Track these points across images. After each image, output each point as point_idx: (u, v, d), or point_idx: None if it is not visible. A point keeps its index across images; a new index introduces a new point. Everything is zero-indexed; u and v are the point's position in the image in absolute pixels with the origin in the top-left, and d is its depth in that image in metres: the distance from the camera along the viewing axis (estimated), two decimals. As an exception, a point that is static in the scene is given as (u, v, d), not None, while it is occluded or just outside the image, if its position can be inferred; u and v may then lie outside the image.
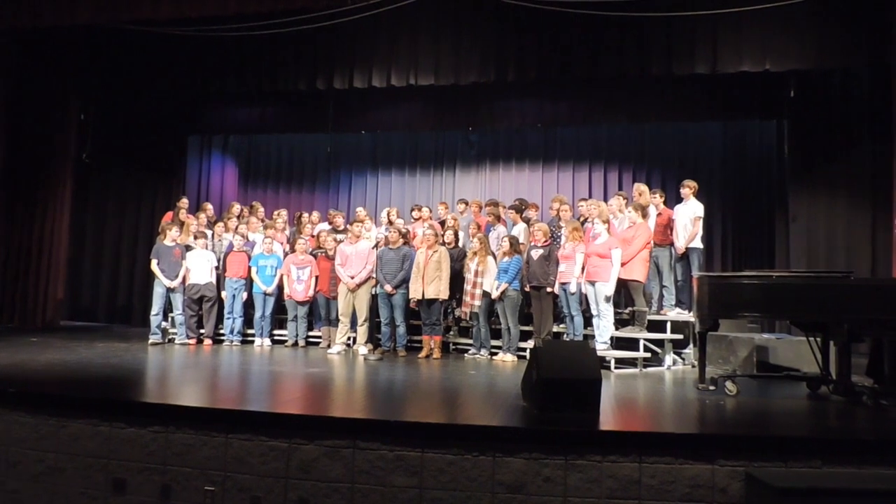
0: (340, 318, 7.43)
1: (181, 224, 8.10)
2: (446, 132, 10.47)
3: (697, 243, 7.13)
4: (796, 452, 3.51)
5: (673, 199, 7.81)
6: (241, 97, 9.48)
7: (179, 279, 7.68)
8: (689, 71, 7.03)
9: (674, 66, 7.04)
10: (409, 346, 7.43)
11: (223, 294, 7.89)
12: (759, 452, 3.52)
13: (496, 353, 7.09)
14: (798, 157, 8.07)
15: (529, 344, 6.82)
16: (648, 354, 6.64)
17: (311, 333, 8.02)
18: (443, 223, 8.23)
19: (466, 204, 8.77)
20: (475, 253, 7.19)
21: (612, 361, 6.37)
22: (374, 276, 7.35)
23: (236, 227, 8.43)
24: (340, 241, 7.75)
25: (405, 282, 7.23)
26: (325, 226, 8.71)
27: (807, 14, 6.59)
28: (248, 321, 8.02)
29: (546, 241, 6.99)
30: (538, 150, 10.32)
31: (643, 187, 7.41)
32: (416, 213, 8.84)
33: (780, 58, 6.78)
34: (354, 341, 7.50)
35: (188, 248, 7.93)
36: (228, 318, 7.84)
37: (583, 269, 6.64)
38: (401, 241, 7.44)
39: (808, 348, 5.39)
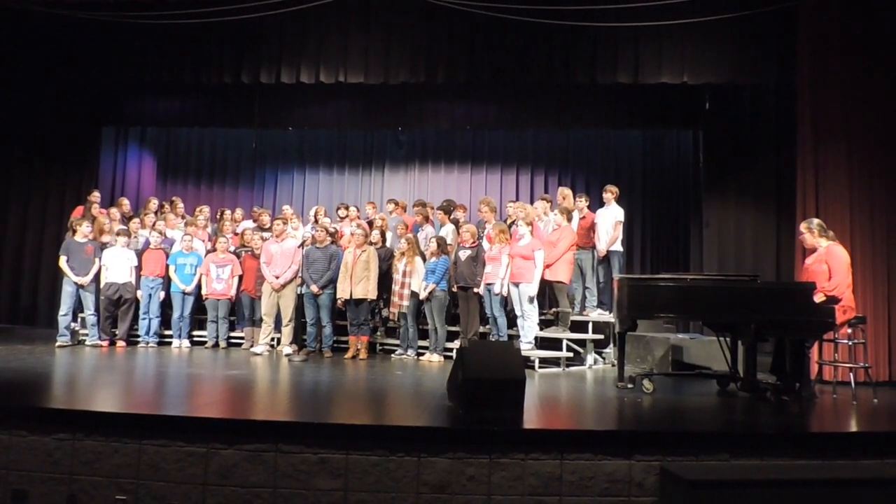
0: (264, 318, 7.27)
1: (93, 219, 7.68)
2: (375, 131, 10.40)
3: (618, 246, 7.40)
4: (706, 447, 3.69)
5: (596, 203, 8.06)
6: (160, 88, 9.07)
7: (91, 277, 7.29)
8: (611, 80, 7.27)
9: (598, 76, 7.27)
10: (335, 347, 7.35)
11: (138, 293, 7.54)
12: (672, 447, 3.68)
13: (423, 354, 7.10)
14: (711, 166, 8.51)
15: (456, 344, 6.87)
16: (571, 354, 6.82)
17: (233, 334, 7.81)
18: (370, 223, 8.18)
19: (395, 204, 8.75)
20: (403, 253, 7.18)
21: (536, 361, 6.51)
22: (300, 275, 7.23)
23: (153, 224, 8.08)
24: (267, 240, 7.59)
25: (332, 282, 7.15)
26: (249, 224, 8.49)
27: (722, 31, 6.95)
28: (165, 322, 7.72)
29: (474, 243, 7.05)
30: (467, 152, 10.41)
31: (567, 191, 7.62)
32: (343, 212, 8.74)
33: (696, 71, 7.11)
34: (279, 342, 7.36)
35: (104, 245, 7.53)
36: (144, 319, 7.52)
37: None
38: (328, 240, 7.35)
39: (718, 348, 5.69)
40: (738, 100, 8.25)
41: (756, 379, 5.18)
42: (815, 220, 5.47)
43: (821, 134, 6.35)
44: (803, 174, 6.38)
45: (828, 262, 5.19)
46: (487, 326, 7.10)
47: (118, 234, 7.55)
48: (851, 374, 5.28)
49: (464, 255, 7.01)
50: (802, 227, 5.47)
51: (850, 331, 5.26)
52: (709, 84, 7.54)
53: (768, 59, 7.01)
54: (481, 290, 6.88)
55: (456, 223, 7.87)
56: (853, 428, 4.20)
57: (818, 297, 5.04)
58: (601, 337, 7.12)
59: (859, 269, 5.91)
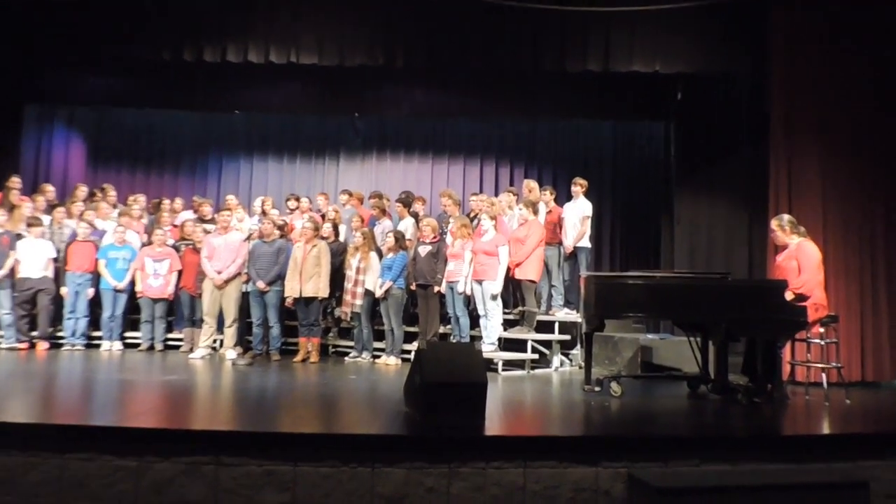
0: (205, 318, 7.14)
1: (12, 207, 7.39)
2: (330, 117, 10.28)
3: (586, 242, 7.47)
4: (676, 452, 3.74)
5: (563, 197, 8.11)
6: (91, 63, 8.74)
7: (5, 271, 7.00)
8: (581, 68, 7.30)
9: (567, 63, 7.29)
10: (283, 350, 7.29)
11: (63, 290, 7.29)
12: (640, 453, 3.71)
13: (379, 356, 7.08)
14: (683, 160, 8.66)
15: (414, 346, 6.83)
16: (536, 356, 6.86)
17: (170, 336, 7.67)
18: (323, 216, 8.11)
19: (350, 195, 8.70)
20: (357, 248, 7.16)
21: (500, 363, 6.52)
22: (244, 271, 7.14)
23: (81, 213, 7.83)
24: (209, 232, 7.47)
25: (280, 278, 7.08)
26: (190, 214, 8.31)
27: (696, 19, 7.05)
28: (94, 322, 7.52)
29: (434, 238, 7.04)
30: (428, 141, 10.38)
31: (533, 184, 7.66)
32: (293, 204, 8.66)
33: (669, 60, 7.21)
34: (221, 344, 7.26)
35: (19, 236, 7.25)
36: (70, 319, 7.31)
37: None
38: (276, 233, 7.28)
39: (689, 348, 5.79)
40: (711, 91, 8.40)
41: (727, 380, 5.29)
42: (786, 217, 5.62)
43: (793, 127, 6.51)
44: (776, 168, 6.54)
45: (798, 258, 5.34)
46: (448, 327, 7.10)
47: (29, 224, 7.28)
48: (824, 375, 5.44)
49: (423, 250, 6.99)
50: (773, 223, 5.61)
51: (822, 330, 5.41)
52: (681, 74, 7.65)
53: (741, 49, 7.14)
54: (443, 288, 6.87)
55: (415, 217, 7.85)
56: (826, 430, 4.32)
57: (788, 296, 5.17)
58: (568, 338, 7.19)
59: (832, 265, 6.10)
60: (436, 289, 6.92)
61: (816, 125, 6.45)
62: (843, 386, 5.41)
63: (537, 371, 6.80)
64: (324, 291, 7.04)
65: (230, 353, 6.99)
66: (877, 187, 6.42)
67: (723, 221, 8.17)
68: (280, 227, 7.44)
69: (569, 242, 7.40)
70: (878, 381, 6.23)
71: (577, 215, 7.43)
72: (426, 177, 10.33)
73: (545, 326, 7.10)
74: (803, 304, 5.16)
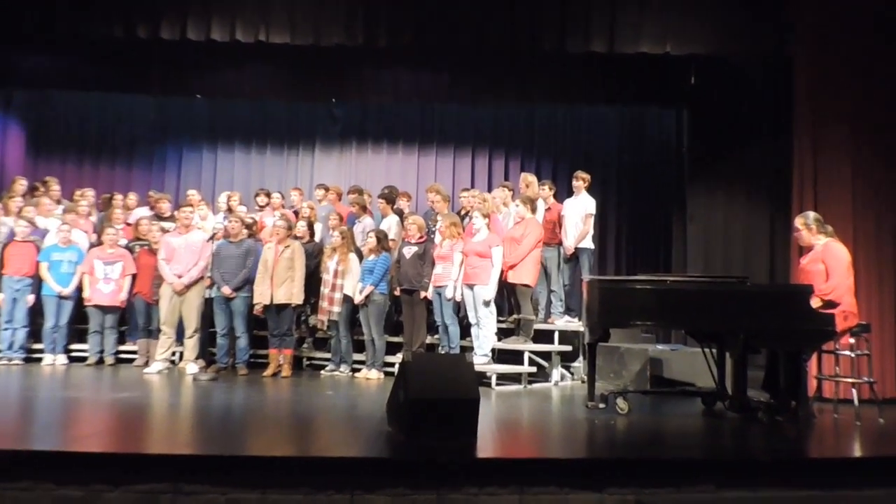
0: (162, 327, 7.11)
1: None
2: (304, 104, 10.24)
3: (588, 243, 7.48)
4: (689, 477, 3.72)
5: (564, 192, 8.12)
6: (29, 41, 8.62)
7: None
8: (584, 49, 7.31)
9: (568, 43, 7.30)
10: (251, 363, 7.27)
11: (-1, 297, 7.24)
12: (650, 478, 3.70)
13: (359, 370, 7.08)
14: (697, 151, 8.69)
15: (398, 358, 6.85)
16: (534, 369, 6.86)
17: (122, 348, 7.65)
18: (296, 213, 8.10)
19: (326, 190, 8.68)
20: (335, 249, 7.15)
21: (493, 377, 6.52)
22: (208, 275, 7.13)
23: (20, 210, 7.77)
24: (167, 231, 7.45)
25: (248, 283, 7.07)
26: (145, 211, 8.26)
27: (712, -4, 7.11)
28: (34, 333, 7.49)
29: (421, 238, 7.04)
30: (414, 130, 10.37)
31: (531, 178, 7.67)
32: (263, 200, 8.63)
33: (681, 40, 7.22)
34: (181, 357, 7.25)
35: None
36: (6, 329, 7.30)
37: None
38: (244, 232, 7.27)
39: (703, 361, 5.80)
40: (729, 74, 8.44)
41: (746, 397, 5.30)
42: (812, 215, 5.62)
43: (820, 115, 6.53)
44: (800, 161, 6.57)
45: (825, 260, 5.35)
46: (436, 336, 7.10)
47: None
48: (854, 391, 5.44)
49: (408, 252, 6.98)
50: (798, 222, 5.62)
51: (852, 340, 5.42)
52: (695, 55, 7.67)
53: (763, 28, 7.16)
54: (429, 293, 6.87)
55: (400, 214, 7.85)
56: (857, 452, 4.34)
57: (814, 302, 5.18)
58: (569, 349, 7.19)
59: (863, 269, 6.11)
60: (422, 294, 6.91)
61: (846, 114, 6.47)
62: (876, 403, 5.43)
63: (535, 386, 6.80)
64: (297, 297, 7.02)
65: (191, 367, 6.95)
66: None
67: (741, 220, 8.22)
68: (248, 226, 7.41)
69: (570, 243, 7.41)
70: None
71: (579, 213, 7.45)
72: (412, 170, 10.31)
73: (544, 336, 7.10)
74: (831, 311, 5.17)
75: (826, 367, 5.78)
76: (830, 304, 5.21)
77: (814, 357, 5.63)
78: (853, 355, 5.45)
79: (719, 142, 8.41)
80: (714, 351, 5.74)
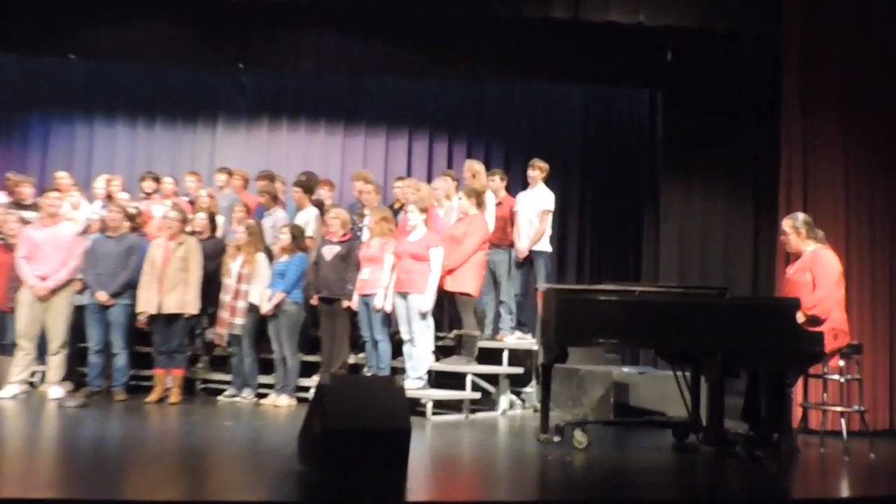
0: (20, 341, 6.98)
1: None
2: (205, 70, 10.10)
3: (545, 245, 7.57)
4: (655, 521, 3.81)
5: (517, 184, 8.19)
6: None
7: None
8: (543, 15, 7.41)
9: (525, 8, 7.39)
10: (132, 386, 7.17)
11: None
12: (610, 523, 3.77)
13: (265, 395, 7.04)
14: (673, 139, 8.91)
15: (314, 381, 6.81)
16: (478, 395, 6.90)
17: (-32, 367, 7.38)
18: (193, 202, 8.02)
19: (230, 175, 8.61)
20: (239, 248, 7.11)
21: (429, 405, 6.53)
22: (79, 277, 7.03)
23: None
24: (29, 223, 7.30)
25: (131, 288, 6.98)
26: (2, 198, 8.01)
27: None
28: None
29: (345, 235, 7.03)
30: (339, 105, 10.31)
31: (478, 167, 7.70)
32: (150, 185, 8.48)
33: (657, 9, 7.39)
34: (43, 378, 7.14)
35: None
36: None
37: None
38: (126, 225, 7.17)
39: (675, 386, 5.93)
40: (710, 53, 8.66)
41: (723, 428, 5.42)
42: (801, 217, 5.79)
43: (812, 102, 6.76)
44: (788, 153, 6.78)
45: (812, 270, 5.53)
46: (361, 355, 7.09)
47: None
48: (843, 421, 5.65)
49: (329, 252, 6.97)
50: (785, 224, 5.78)
51: (842, 363, 5.63)
52: (673, 29, 7.86)
53: (750, 2, 7.39)
54: (354, 302, 6.86)
55: (319, 206, 7.82)
56: (845, 492, 4.49)
57: (798, 317, 5.35)
58: (520, 371, 7.25)
59: (856, 280, 6.37)
60: (345, 304, 6.90)
61: (841, 101, 6.72)
62: (867, 436, 5.64)
63: (479, 415, 6.85)
64: (192, 306, 6.97)
65: (55, 391, 6.84)
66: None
67: (721, 220, 8.44)
68: (132, 217, 7.31)
69: (523, 244, 7.48)
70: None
71: (535, 209, 7.53)
72: (335, 153, 10.26)
73: (490, 356, 7.15)
74: (818, 329, 5.34)
75: (813, 394, 5.97)
76: (815, 321, 5.37)
77: (799, 382, 5.82)
78: (843, 380, 5.66)
79: (698, 130, 8.63)
80: (687, 375, 5.86)
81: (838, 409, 5.73)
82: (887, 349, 6.54)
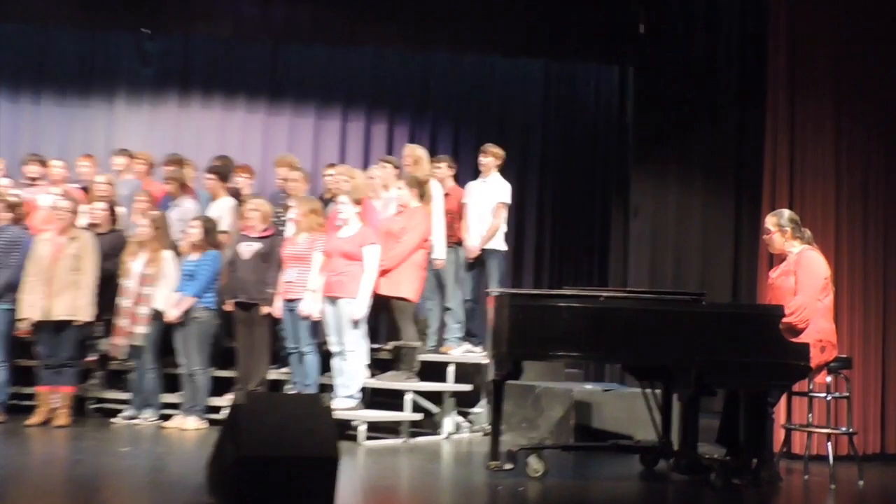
0: None
1: None
2: (103, 34, 9.96)
3: (499, 243, 7.60)
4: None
5: (467, 172, 8.22)
6: None
7: None
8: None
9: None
10: (12, 406, 7.11)
11: None
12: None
13: (170, 416, 7.00)
14: (644, 123, 9.02)
15: (228, 400, 6.73)
16: (420, 416, 6.92)
17: None
18: (87, 190, 7.93)
19: (131, 158, 8.49)
20: (142, 244, 7.06)
21: (362, 427, 6.53)
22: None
23: None
24: None
25: (10, 290, 6.93)
26: None
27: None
28: None
29: (266, 230, 7.01)
30: (261, 78, 10.24)
31: (421, 152, 7.70)
32: (36, 170, 8.31)
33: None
34: None
35: None
36: None
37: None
38: (5, 216, 7.09)
39: (643, 406, 6.01)
40: (688, 25, 8.80)
41: (697, 453, 5.50)
42: (787, 213, 5.88)
43: (801, 81, 6.86)
44: (774, 141, 6.89)
45: (796, 273, 5.63)
46: (284, 370, 7.09)
47: None
48: (830, 445, 5.76)
49: (248, 249, 6.97)
50: (769, 222, 5.85)
51: (829, 379, 5.74)
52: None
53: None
54: (276, 308, 6.87)
55: (236, 196, 7.76)
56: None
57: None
58: (468, 388, 7.29)
59: (846, 286, 6.50)
60: (265, 310, 6.88)
61: (835, 81, 6.81)
62: (856, 461, 5.77)
63: (420, 440, 6.86)
64: (85, 312, 6.91)
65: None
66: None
67: (699, 216, 8.56)
68: (12, 207, 7.22)
69: (473, 242, 7.50)
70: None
71: (488, 202, 7.56)
72: (256, 134, 10.18)
73: (434, 371, 7.17)
74: (802, 340, 5.43)
75: (796, 414, 6.11)
76: (792, 330, 5.46)
77: (782, 401, 5.93)
78: (830, 398, 5.78)
79: (673, 112, 8.75)
80: (658, 393, 5.95)
81: (825, 431, 5.84)
82: (879, 364, 6.67)
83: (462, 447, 6.72)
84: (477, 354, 7.30)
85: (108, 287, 7.16)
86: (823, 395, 5.76)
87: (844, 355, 5.87)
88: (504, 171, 7.84)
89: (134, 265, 7.01)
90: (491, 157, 7.71)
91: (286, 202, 7.54)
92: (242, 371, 6.93)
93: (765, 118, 7.03)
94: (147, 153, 8.74)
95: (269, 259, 6.93)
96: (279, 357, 7.15)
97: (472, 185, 7.78)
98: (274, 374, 7.11)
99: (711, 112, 8.52)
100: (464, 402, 7.38)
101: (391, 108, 10.39)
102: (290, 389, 6.88)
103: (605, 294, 5.84)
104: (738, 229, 8.22)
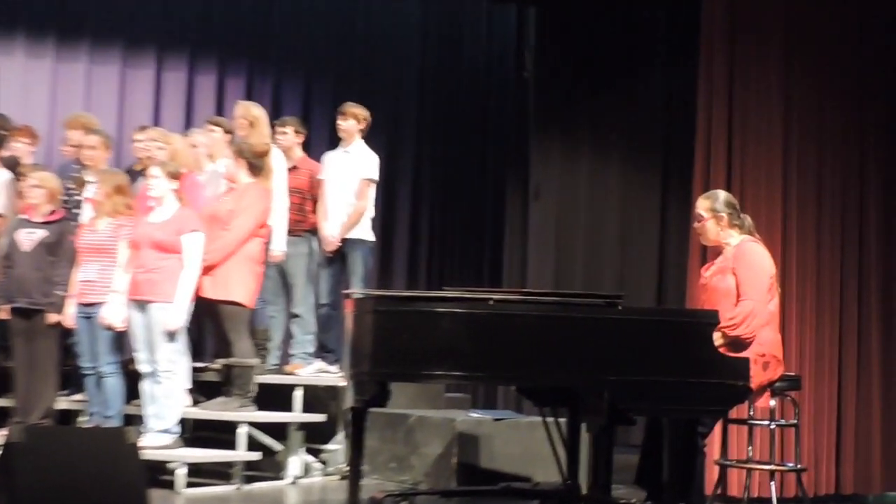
0: None
1: None
2: None
3: (365, 232, 7.64)
4: None
5: (321, 141, 8.22)
6: None
7: None
8: None
9: None
10: None
11: None
12: None
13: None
14: (548, 81, 9.15)
15: (2, 437, 6.59)
16: (257, 455, 6.90)
17: None
18: None
19: None
20: None
21: (181, 471, 6.47)
22: None
23: None
24: None
25: None
26: None
27: None
28: None
29: (54, 213, 6.94)
30: (48, 13, 10.04)
31: (258, 111, 7.65)
32: None
33: None
34: None
35: None
36: None
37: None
38: None
39: (544, 439, 6.10)
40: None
41: (611, 498, 5.64)
42: (723, 196, 5.98)
43: (742, 26, 7.01)
44: (707, 103, 7.03)
45: (736, 270, 5.78)
46: (78, 396, 7.03)
47: None
48: (773, 485, 5.96)
49: (29, 238, 6.88)
50: (702, 207, 5.93)
51: (773, 402, 5.91)
52: None
53: None
54: (68, 316, 6.82)
55: (12, 168, 7.59)
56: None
57: (715, 339, 5.58)
58: (320, 419, 7.31)
59: (794, 288, 6.73)
60: (53, 318, 6.80)
61: (786, 26, 6.99)
62: (807, 503, 6.00)
63: (258, 486, 6.86)
64: None
65: None
66: (878, 143, 7.13)
67: (616, 197, 8.75)
68: None
69: (331, 231, 7.52)
70: (863, 493, 6.99)
71: (350, 178, 7.59)
72: (42, 86, 9.97)
73: (276, 396, 7.17)
74: (742, 354, 5.59)
75: (734, 447, 6.29)
76: (737, 344, 5.64)
77: (716, 430, 6.10)
78: (774, 426, 5.95)
79: (585, 68, 8.89)
80: (563, 421, 6.03)
81: (768, 468, 6.01)
82: (834, 384, 6.90)
83: (312, 494, 6.72)
84: (332, 375, 7.34)
85: None
86: (766, 422, 5.90)
87: (792, 373, 6.02)
88: (370, 138, 7.87)
89: None
90: (352, 121, 7.72)
91: (81, 176, 7.41)
92: (21, 398, 6.78)
93: (697, 73, 7.14)
94: None
95: (58, 251, 6.83)
96: (71, 380, 7.04)
97: (328, 157, 7.78)
98: (64, 403, 7.02)
99: (633, 66, 8.68)
100: (315, 437, 7.39)
101: (221, 53, 10.31)
102: (85, 422, 6.78)
103: (496, 297, 5.88)
104: (664, 215, 8.39)
